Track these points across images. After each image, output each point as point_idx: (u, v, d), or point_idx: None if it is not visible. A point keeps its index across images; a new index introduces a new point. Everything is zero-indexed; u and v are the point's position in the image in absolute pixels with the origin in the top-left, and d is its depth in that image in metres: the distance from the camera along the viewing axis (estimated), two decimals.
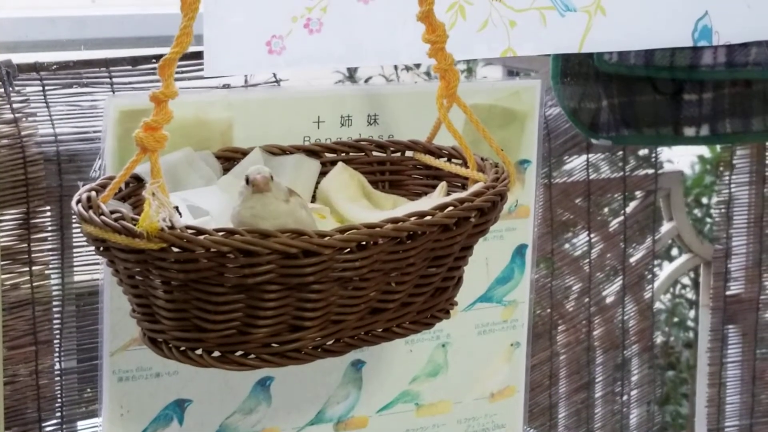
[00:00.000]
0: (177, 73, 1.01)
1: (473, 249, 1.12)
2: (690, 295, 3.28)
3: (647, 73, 1.62)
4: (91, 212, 1.02)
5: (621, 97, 1.65)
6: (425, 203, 1.14)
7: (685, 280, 3.25)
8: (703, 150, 3.28)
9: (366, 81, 2.43)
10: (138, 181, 1.12)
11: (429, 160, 1.21)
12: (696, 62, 1.61)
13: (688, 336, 3.27)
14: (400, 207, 1.17)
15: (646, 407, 2.12)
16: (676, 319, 3.26)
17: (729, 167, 2.07)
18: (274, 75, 1.50)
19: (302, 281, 1.00)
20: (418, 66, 2.52)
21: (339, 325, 1.06)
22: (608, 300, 2.04)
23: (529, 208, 1.40)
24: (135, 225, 0.98)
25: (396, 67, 2.36)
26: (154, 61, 1.55)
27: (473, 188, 1.10)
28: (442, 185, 1.18)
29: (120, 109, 1.18)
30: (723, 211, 2.08)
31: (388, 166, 1.24)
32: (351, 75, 2.48)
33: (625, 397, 2.08)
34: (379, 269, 1.04)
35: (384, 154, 1.24)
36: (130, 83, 1.55)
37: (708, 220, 3.22)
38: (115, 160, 1.18)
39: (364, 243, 1.01)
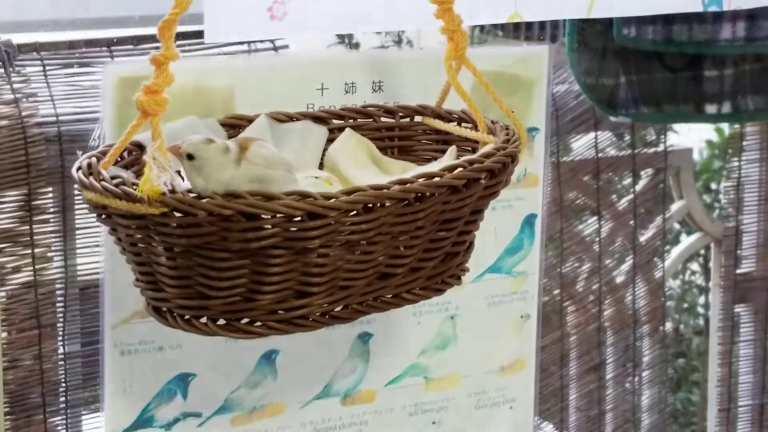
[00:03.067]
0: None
1: (484, 213, 1.10)
2: (700, 281, 3.26)
3: (666, 48, 1.60)
4: (91, 178, 1.00)
5: (640, 73, 1.63)
6: (435, 167, 1.11)
7: (695, 266, 3.23)
8: (712, 134, 3.26)
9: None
10: (140, 149, 1.10)
11: (438, 124, 1.19)
12: (715, 37, 1.59)
13: (699, 323, 3.25)
14: (409, 172, 1.15)
15: (658, 388, 2.10)
16: (686, 305, 3.24)
17: (738, 151, 2.04)
18: (272, 42, 1.48)
19: (307, 245, 0.98)
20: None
21: (346, 290, 1.03)
22: (618, 280, 2.02)
23: (537, 177, 1.38)
24: (136, 190, 0.96)
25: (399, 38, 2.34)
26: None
27: (483, 150, 1.08)
28: (452, 149, 1.16)
29: (118, 75, 1.16)
30: (733, 188, 2.06)
31: (397, 131, 1.22)
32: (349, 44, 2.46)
33: (636, 378, 2.06)
34: (387, 232, 1.02)
35: (392, 120, 1.22)
36: (134, 61, 1.53)
37: (717, 204, 3.20)
38: (114, 128, 1.16)
39: (370, 205, 0.99)
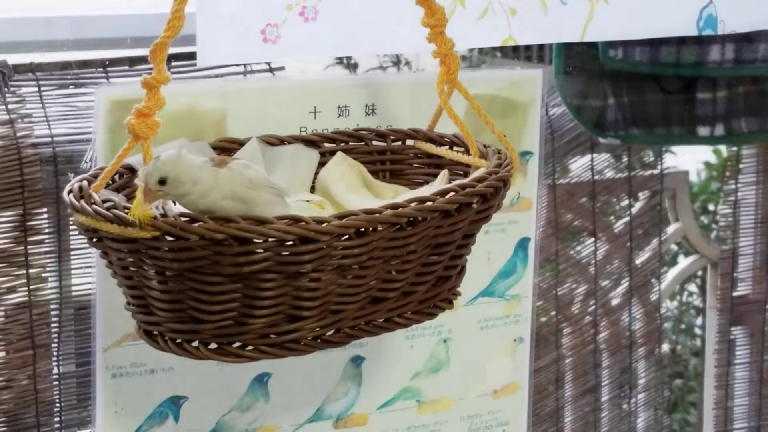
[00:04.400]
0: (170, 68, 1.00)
1: (476, 237, 1.10)
2: (697, 302, 3.25)
3: (653, 70, 1.60)
4: (82, 202, 1.00)
5: (629, 95, 1.63)
6: (426, 191, 1.11)
7: (692, 288, 3.22)
8: (710, 156, 3.26)
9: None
10: (131, 172, 1.10)
11: (430, 148, 1.19)
12: (703, 59, 1.59)
13: (696, 344, 3.24)
14: (401, 196, 1.15)
15: (654, 411, 2.09)
16: (683, 327, 3.24)
17: (735, 173, 2.04)
18: (268, 64, 1.48)
19: (300, 269, 0.98)
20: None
21: (338, 314, 1.03)
22: (614, 302, 2.01)
23: (531, 201, 1.38)
24: (127, 213, 0.96)
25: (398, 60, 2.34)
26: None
27: (475, 174, 1.08)
28: (444, 173, 1.16)
29: (111, 99, 1.16)
30: (730, 211, 2.05)
31: (389, 155, 1.22)
32: (347, 65, 2.46)
33: (632, 401, 2.05)
34: (379, 257, 1.02)
35: (384, 143, 1.22)
36: (127, 84, 1.53)
37: (714, 226, 3.19)
38: (106, 151, 1.16)
39: (362, 229, 0.99)
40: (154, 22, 1.66)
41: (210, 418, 1.25)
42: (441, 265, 1.08)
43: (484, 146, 1.14)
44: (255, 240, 0.96)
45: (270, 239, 0.96)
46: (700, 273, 2.28)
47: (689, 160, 2.82)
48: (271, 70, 1.52)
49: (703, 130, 1.66)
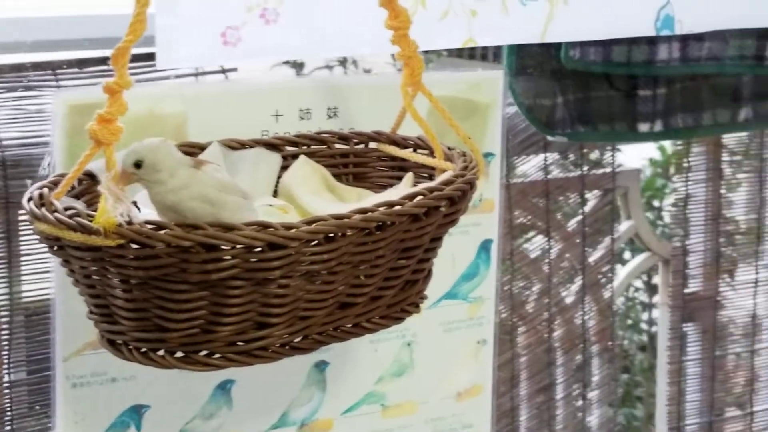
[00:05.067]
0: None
1: (443, 240, 1.09)
2: (643, 297, 3.27)
3: (605, 69, 1.60)
4: (43, 209, 0.98)
5: (576, 93, 1.64)
6: (392, 194, 1.10)
7: (638, 283, 3.25)
8: (654, 152, 3.28)
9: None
10: (91, 178, 1.08)
11: (394, 150, 1.18)
12: (652, 57, 1.60)
13: (642, 339, 3.27)
14: (365, 199, 1.14)
15: (608, 408, 2.10)
16: (630, 322, 3.26)
17: (680, 170, 2.05)
18: (221, 66, 1.46)
19: (268, 276, 0.97)
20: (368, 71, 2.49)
21: (307, 321, 1.02)
22: (568, 300, 2.01)
23: (493, 203, 1.37)
24: (91, 221, 0.94)
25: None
26: (104, 62, 1.51)
27: (442, 177, 1.07)
28: (409, 176, 1.15)
29: (68, 103, 1.13)
30: (680, 208, 2.06)
31: (352, 158, 1.21)
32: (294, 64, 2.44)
33: (587, 398, 2.06)
34: (348, 262, 1.01)
35: (347, 146, 1.21)
36: (77, 86, 1.51)
37: (660, 222, 3.22)
38: (64, 157, 1.14)
39: (332, 235, 0.98)
40: (106, 23, 1.64)
41: (173, 427, 1.24)
42: (409, 269, 1.07)
43: (449, 148, 1.14)
44: (223, 247, 0.95)
45: (238, 246, 0.95)
46: (645, 278, 2.29)
47: (634, 156, 2.84)
48: (224, 71, 1.51)
49: (644, 127, 1.67)
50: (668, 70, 1.61)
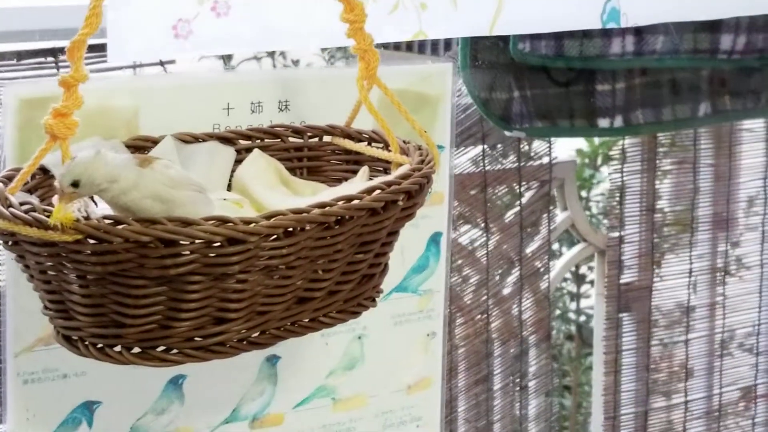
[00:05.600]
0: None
1: (399, 234, 1.10)
2: (571, 287, 3.30)
3: (558, 63, 1.61)
4: None
5: (533, 88, 1.63)
6: (348, 188, 1.10)
7: (566, 274, 3.27)
8: (582, 143, 3.30)
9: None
10: (44, 173, 1.07)
11: (348, 144, 1.18)
12: (605, 51, 1.60)
13: (570, 329, 3.29)
14: (321, 193, 1.13)
15: (545, 398, 2.12)
16: (558, 312, 3.28)
17: (607, 159, 2.07)
18: (161, 61, 1.45)
19: (227, 271, 0.97)
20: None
21: (265, 316, 1.02)
22: (505, 291, 2.03)
23: (443, 195, 1.38)
24: (48, 216, 0.93)
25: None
26: (50, 55, 1.50)
27: (399, 171, 1.07)
28: (364, 169, 1.15)
29: (20, 97, 1.12)
30: (616, 199, 2.09)
31: (306, 152, 1.21)
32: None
33: (524, 388, 2.07)
34: (306, 256, 1.01)
35: (301, 140, 1.20)
36: (14, 78, 1.48)
37: (588, 213, 3.24)
38: (16, 151, 1.12)
39: (291, 229, 0.98)
40: (45, 14, 1.62)
41: (124, 423, 1.22)
42: (366, 263, 1.07)
43: (405, 142, 1.14)
44: (182, 242, 0.94)
45: (197, 241, 0.94)
46: (573, 269, 2.30)
47: (563, 148, 2.86)
48: (162, 63, 1.49)
49: (604, 122, 1.68)
50: (621, 64, 1.62)
